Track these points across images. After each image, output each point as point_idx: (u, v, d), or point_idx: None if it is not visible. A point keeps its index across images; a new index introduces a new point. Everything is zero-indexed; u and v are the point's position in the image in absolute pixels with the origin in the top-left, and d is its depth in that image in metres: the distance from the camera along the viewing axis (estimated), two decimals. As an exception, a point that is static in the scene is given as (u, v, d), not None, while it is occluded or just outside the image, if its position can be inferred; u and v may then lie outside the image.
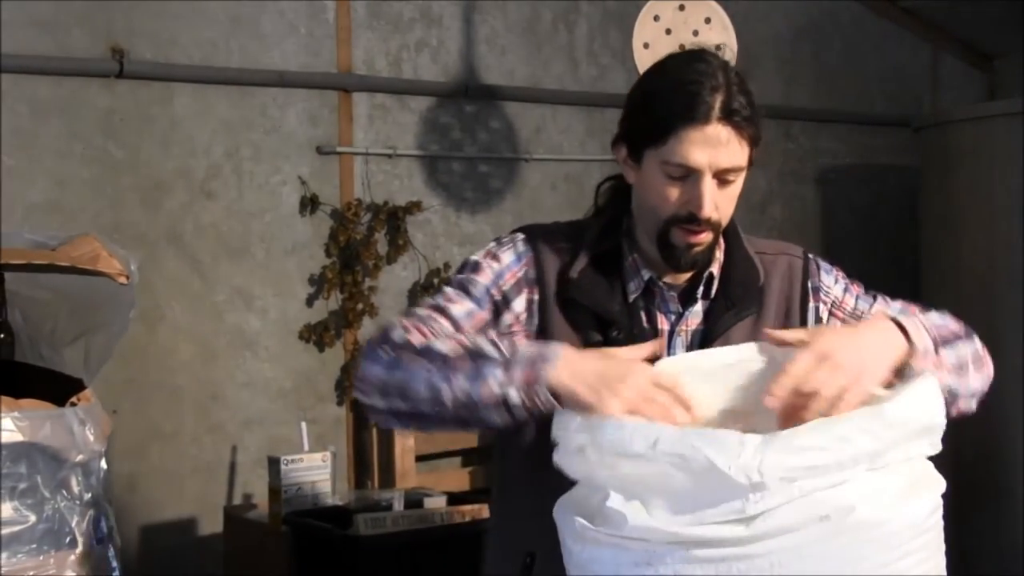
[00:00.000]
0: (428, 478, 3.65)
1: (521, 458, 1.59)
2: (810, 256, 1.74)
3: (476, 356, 1.42)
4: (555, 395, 1.38)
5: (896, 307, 1.72)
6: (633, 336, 1.58)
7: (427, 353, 1.45)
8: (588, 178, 4.10)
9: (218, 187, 3.51)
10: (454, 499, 3.11)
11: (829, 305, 1.71)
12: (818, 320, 1.69)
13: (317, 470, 3.14)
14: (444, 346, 1.45)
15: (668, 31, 3.40)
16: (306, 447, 3.26)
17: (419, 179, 3.86)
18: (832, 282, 1.73)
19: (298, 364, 3.64)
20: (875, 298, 1.73)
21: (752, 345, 1.52)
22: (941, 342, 1.57)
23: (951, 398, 1.56)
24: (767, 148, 5.17)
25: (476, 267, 1.62)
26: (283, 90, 3.61)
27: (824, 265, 1.75)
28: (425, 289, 3.82)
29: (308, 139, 3.66)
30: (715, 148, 1.52)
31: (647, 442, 1.26)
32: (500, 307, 1.59)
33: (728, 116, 1.52)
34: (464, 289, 1.60)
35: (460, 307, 1.57)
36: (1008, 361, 3.76)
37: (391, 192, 3.79)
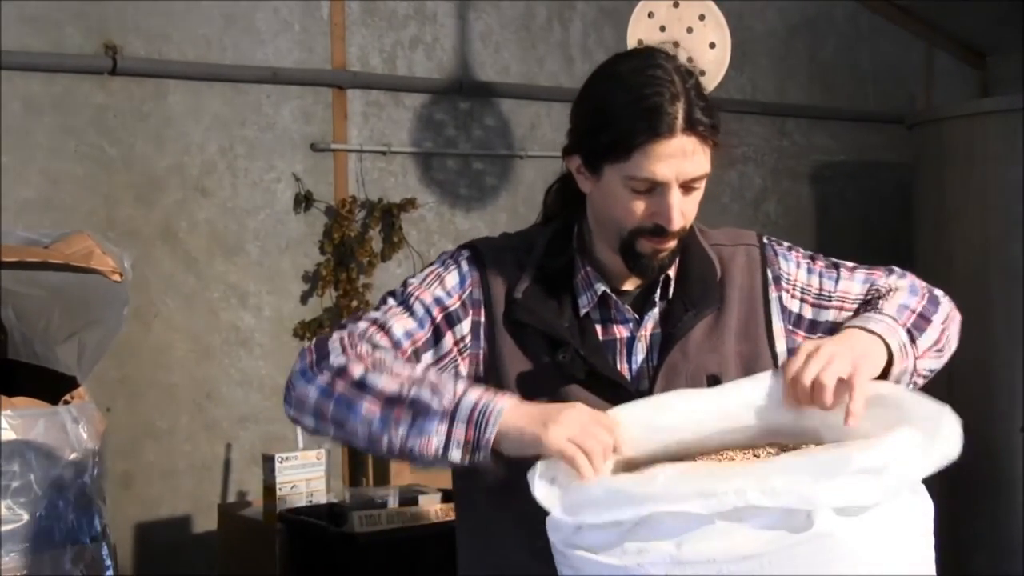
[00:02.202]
0: (422, 475, 3.64)
1: (483, 495, 1.57)
2: (766, 242, 1.68)
3: (416, 406, 1.38)
4: (498, 440, 1.36)
5: (859, 278, 1.68)
6: (579, 354, 1.54)
7: (365, 388, 1.41)
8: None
9: (212, 184, 3.51)
10: (449, 496, 3.10)
11: (796, 292, 1.65)
12: (783, 310, 1.64)
13: (312, 467, 3.13)
14: (382, 382, 1.41)
15: (662, 28, 3.40)
16: (300, 444, 3.26)
17: (413, 176, 3.85)
18: (793, 267, 1.67)
19: (293, 361, 3.63)
20: (837, 268, 1.68)
21: (689, 391, 1.51)
22: (914, 329, 1.56)
23: (933, 373, 1.60)
24: (761, 145, 5.19)
25: (421, 285, 1.58)
26: (277, 87, 3.60)
27: (781, 250, 1.68)
28: (420, 286, 3.82)
29: (302, 136, 3.65)
30: (681, 160, 1.48)
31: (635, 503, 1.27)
32: (441, 329, 1.55)
33: (692, 127, 1.48)
34: (407, 306, 1.55)
35: (400, 325, 1.53)
36: (1003, 355, 3.78)
37: (385, 189, 3.79)
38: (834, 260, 1.71)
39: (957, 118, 3.97)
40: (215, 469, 3.51)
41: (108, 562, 2.56)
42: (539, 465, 1.36)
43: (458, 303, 1.57)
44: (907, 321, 1.56)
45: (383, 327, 1.53)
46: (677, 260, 1.61)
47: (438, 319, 1.55)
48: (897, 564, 1.28)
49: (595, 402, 1.52)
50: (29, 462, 2.35)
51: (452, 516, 2.92)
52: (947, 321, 1.64)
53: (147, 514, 3.40)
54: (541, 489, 1.34)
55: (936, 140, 4.05)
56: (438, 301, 1.56)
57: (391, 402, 1.39)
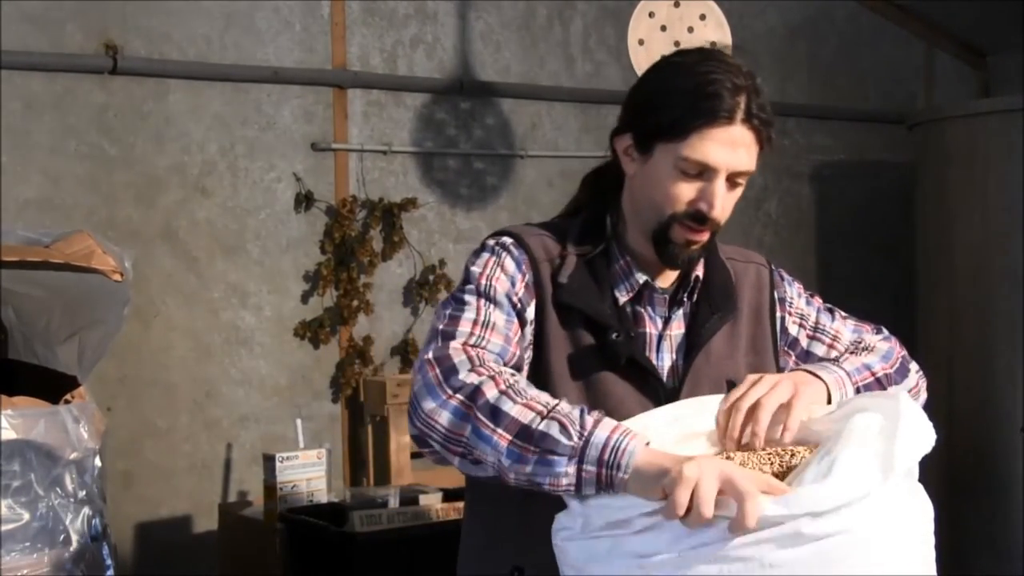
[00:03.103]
0: (423, 475, 3.65)
1: (506, 490, 1.53)
2: (773, 266, 1.75)
3: (545, 442, 1.32)
4: (629, 480, 1.29)
5: (850, 326, 1.73)
6: (631, 338, 1.56)
7: (498, 416, 1.35)
8: (583, 174, 4.10)
9: (213, 184, 3.51)
10: (449, 495, 3.10)
11: (796, 317, 1.71)
12: (784, 331, 1.70)
13: (312, 467, 3.13)
14: (516, 410, 1.35)
15: (663, 28, 3.40)
16: (301, 444, 3.26)
17: (414, 176, 3.85)
18: (796, 295, 1.73)
19: (293, 361, 3.64)
20: (832, 312, 1.75)
21: (691, 401, 1.52)
22: (865, 390, 1.58)
23: None
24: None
25: (491, 276, 1.55)
26: (278, 86, 3.60)
27: (787, 277, 1.76)
28: (420, 286, 3.82)
29: (303, 135, 3.65)
30: (735, 149, 1.51)
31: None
32: (523, 316, 1.54)
33: (751, 119, 1.51)
34: (489, 298, 1.53)
35: (498, 319, 1.51)
36: (1001, 356, 3.78)
37: (386, 189, 3.79)
38: (829, 304, 1.77)
39: (957, 118, 3.97)
40: (215, 469, 3.51)
41: (108, 562, 2.56)
42: None
43: (523, 287, 1.56)
44: (861, 381, 1.59)
45: (486, 325, 1.49)
46: (704, 265, 1.64)
47: (517, 306, 1.55)
48: (898, 565, 1.28)
49: (628, 391, 1.55)
50: (29, 462, 2.35)
51: (453, 516, 2.93)
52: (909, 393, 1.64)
53: (147, 514, 3.40)
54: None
55: (936, 140, 4.04)
56: (511, 289, 1.55)
57: (522, 435, 1.33)
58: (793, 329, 1.71)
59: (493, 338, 1.49)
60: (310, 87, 3.66)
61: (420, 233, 3.84)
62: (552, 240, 1.61)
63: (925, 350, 4.08)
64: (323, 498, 3.12)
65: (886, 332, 1.75)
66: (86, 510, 2.46)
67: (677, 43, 3.42)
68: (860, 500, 1.24)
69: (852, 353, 1.65)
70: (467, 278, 1.57)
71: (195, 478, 3.48)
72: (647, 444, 1.32)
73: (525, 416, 1.34)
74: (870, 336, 1.72)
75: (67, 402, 2.46)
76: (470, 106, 3.96)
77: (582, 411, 1.35)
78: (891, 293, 4.57)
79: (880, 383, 1.61)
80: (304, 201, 3.63)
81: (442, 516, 2.94)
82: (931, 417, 1.38)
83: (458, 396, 1.38)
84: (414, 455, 3.65)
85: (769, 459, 1.40)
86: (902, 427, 1.31)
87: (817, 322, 1.72)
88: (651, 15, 3.37)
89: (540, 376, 1.55)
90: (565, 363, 1.55)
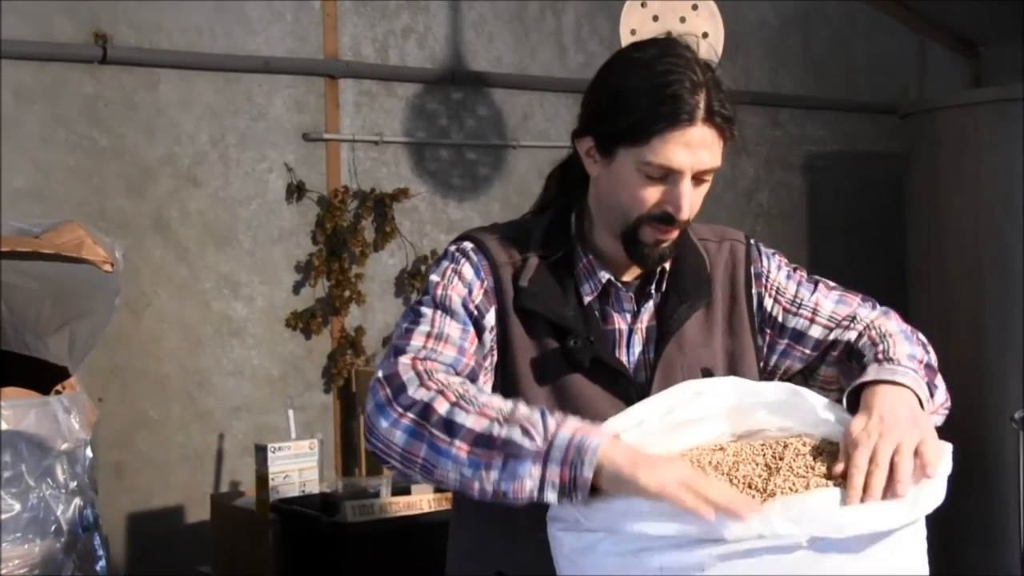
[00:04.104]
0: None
1: None
2: (752, 241, 1.71)
3: (507, 448, 1.30)
4: (595, 478, 1.29)
5: (833, 297, 1.68)
6: (590, 341, 1.54)
7: (453, 429, 1.33)
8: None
9: (204, 174, 3.50)
10: (441, 487, 3.10)
11: (772, 291, 1.67)
12: (760, 307, 1.66)
13: (304, 457, 3.13)
14: (471, 420, 1.33)
15: (655, 18, 3.39)
16: (293, 434, 3.26)
17: (406, 166, 3.85)
18: (775, 268, 1.69)
19: (285, 352, 3.64)
20: (816, 282, 1.70)
21: (680, 386, 1.48)
22: (929, 385, 1.54)
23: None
24: (754, 135, 5.19)
25: (448, 286, 1.54)
26: (269, 76, 3.59)
27: (766, 251, 1.71)
28: (412, 276, 3.81)
29: (294, 126, 3.64)
30: (698, 150, 1.49)
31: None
32: (480, 324, 1.53)
33: (711, 117, 1.49)
34: (444, 308, 1.52)
35: (453, 330, 1.50)
36: (995, 344, 3.79)
37: (378, 179, 3.78)
38: (816, 276, 1.72)
39: (949, 108, 3.97)
40: (207, 459, 3.51)
41: (100, 552, 2.56)
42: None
43: (481, 293, 1.55)
44: (926, 378, 1.53)
45: (439, 337, 1.48)
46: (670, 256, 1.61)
47: (474, 314, 1.53)
48: (888, 554, 1.28)
49: (597, 392, 1.53)
50: (20, 453, 2.35)
51: (445, 506, 2.93)
52: (936, 369, 1.61)
53: (139, 504, 3.40)
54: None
55: (929, 130, 4.05)
56: (467, 296, 1.54)
57: (481, 443, 1.31)
58: (768, 303, 1.66)
59: (445, 350, 1.47)
60: (301, 77, 3.65)
61: (412, 223, 3.83)
62: (514, 243, 1.59)
63: (916, 340, 4.09)
64: (315, 488, 3.12)
65: (872, 301, 1.70)
66: (77, 501, 2.46)
67: (669, 33, 3.41)
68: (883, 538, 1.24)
69: (881, 344, 1.58)
70: (426, 288, 1.56)
71: (187, 469, 3.47)
72: (615, 440, 1.31)
73: (480, 424, 1.33)
74: (864, 310, 1.67)
75: (58, 393, 2.46)
76: (462, 96, 3.95)
77: (543, 413, 1.33)
78: (883, 283, 4.57)
79: (930, 365, 1.58)
80: (296, 191, 3.63)
81: (434, 506, 2.95)
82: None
83: (409, 415, 1.36)
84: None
85: (762, 450, 1.40)
86: (940, 473, 1.30)
87: (796, 295, 1.67)
88: (643, 5, 3.37)
89: (508, 381, 1.54)
90: (530, 368, 1.54)
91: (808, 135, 4.75)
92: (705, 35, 3.42)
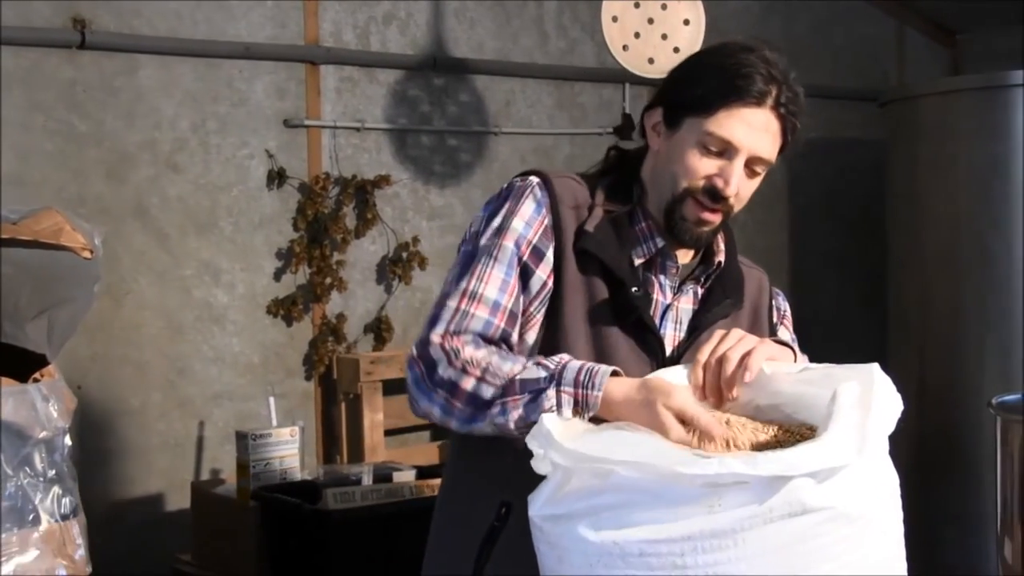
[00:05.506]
0: (397, 452, 3.66)
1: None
2: (769, 282, 1.83)
3: (527, 386, 1.46)
4: (605, 400, 1.43)
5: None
6: (648, 296, 1.60)
7: (478, 403, 1.48)
8: (557, 151, 4.10)
9: (184, 160, 3.48)
10: (423, 473, 3.11)
11: (791, 329, 1.80)
12: (773, 335, 1.75)
13: (285, 445, 3.13)
14: (494, 391, 1.47)
15: (637, 4, 3.39)
16: (274, 422, 3.25)
17: (387, 152, 3.84)
18: (787, 309, 1.81)
19: (266, 339, 3.63)
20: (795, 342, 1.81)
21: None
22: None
23: None
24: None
25: (500, 228, 1.58)
26: (250, 62, 3.57)
27: (781, 295, 1.83)
28: (394, 263, 3.81)
29: (275, 112, 3.63)
30: (759, 133, 1.55)
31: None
32: (531, 266, 1.57)
33: (779, 107, 1.55)
34: (491, 255, 1.56)
35: (492, 284, 1.55)
36: (971, 330, 3.81)
37: (359, 166, 3.77)
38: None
39: (928, 96, 4.00)
40: (188, 447, 3.50)
41: (79, 541, 2.54)
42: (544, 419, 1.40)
43: (540, 231, 1.58)
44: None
45: (476, 297, 1.54)
46: (724, 253, 1.69)
47: (525, 257, 1.57)
48: (866, 538, 1.29)
49: (632, 349, 1.59)
50: (-1, 440, 2.33)
51: (427, 493, 2.94)
52: None
53: (120, 492, 3.39)
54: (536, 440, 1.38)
55: (908, 117, 4.07)
56: (521, 237, 1.57)
57: (506, 390, 1.46)
58: (780, 332, 1.77)
59: (478, 311, 1.53)
60: (282, 63, 3.63)
61: (393, 210, 3.83)
62: (582, 188, 1.64)
63: (895, 326, 4.12)
64: (296, 476, 3.12)
65: None
66: (56, 489, 2.45)
67: (651, 20, 3.41)
68: (839, 471, 1.25)
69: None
70: (480, 228, 1.60)
71: (168, 456, 3.46)
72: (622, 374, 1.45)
73: (505, 384, 1.47)
74: None
75: (36, 381, 2.44)
76: (443, 83, 3.94)
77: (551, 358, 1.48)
78: (863, 269, 4.60)
79: None
80: (276, 178, 3.61)
81: (416, 493, 2.95)
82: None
83: (441, 392, 1.50)
84: (388, 432, 3.65)
85: (766, 429, 1.42)
86: (876, 399, 1.33)
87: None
88: (625, -9, 3.36)
89: (551, 324, 1.58)
90: (578, 311, 1.58)
91: (789, 122, 4.76)
92: (687, 22, 3.42)
